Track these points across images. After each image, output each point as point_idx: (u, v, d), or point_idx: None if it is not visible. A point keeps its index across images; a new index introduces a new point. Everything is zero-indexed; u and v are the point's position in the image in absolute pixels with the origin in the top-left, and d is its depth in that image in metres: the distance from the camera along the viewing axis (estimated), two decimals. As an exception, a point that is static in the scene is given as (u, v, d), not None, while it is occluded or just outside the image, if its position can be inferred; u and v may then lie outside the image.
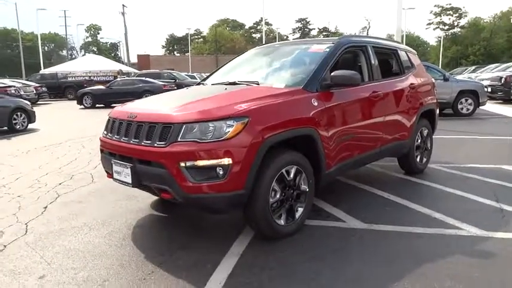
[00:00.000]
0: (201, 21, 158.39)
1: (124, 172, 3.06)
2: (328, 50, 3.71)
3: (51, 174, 5.48)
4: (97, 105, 17.80)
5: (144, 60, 50.90)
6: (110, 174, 3.38)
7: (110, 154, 3.30)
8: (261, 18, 72.90)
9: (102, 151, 3.49)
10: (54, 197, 4.43)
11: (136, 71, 32.56)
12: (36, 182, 5.12)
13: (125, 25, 43.70)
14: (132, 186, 3.04)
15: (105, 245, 3.13)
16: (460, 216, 3.48)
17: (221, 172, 2.72)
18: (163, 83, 18.45)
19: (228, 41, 70.41)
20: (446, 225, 3.32)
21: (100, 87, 18.87)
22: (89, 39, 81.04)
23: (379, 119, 4.04)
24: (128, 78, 21.76)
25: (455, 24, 60.90)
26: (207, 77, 4.48)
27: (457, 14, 60.62)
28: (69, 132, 9.68)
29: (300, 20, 76.58)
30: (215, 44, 65.20)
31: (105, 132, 3.44)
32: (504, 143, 7.30)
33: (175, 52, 79.84)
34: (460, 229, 3.24)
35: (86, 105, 17.75)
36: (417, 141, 4.87)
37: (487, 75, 16.54)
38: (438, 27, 62.86)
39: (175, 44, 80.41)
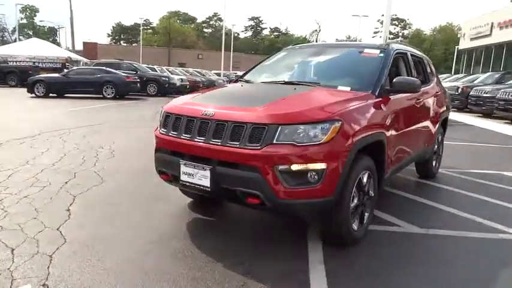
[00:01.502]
0: (151, 12, 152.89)
1: (199, 174, 2.82)
2: (382, 55, 3.73)
3: (48, 172, 4.94)
4: (50, 95, 16.45)
5: (91, 48, 48.05)
6: (168, 176, 3.11)
7: (174, 154, 3.03)
8: (214, 13, 72.17)
9: (158, 150, 3.19)
10: (70, 197, 3.99)
11: (86, 59, 30.63)
12: (36, 180, 4.58)
13: (70, 9, 40.74)
14: (210, 190, 2.82)
15: (170, 255, 2.86)
16: (502, 221, 3.67)
17: (315, 177, 2.61)
18: (126, 75, 17.51)
19: (180, 34, 68.71)
20: (496, 230, 3.48)
21: (55, 75, 17.43)
22: (24, 21, 74.59)
23: (419, 125, 4.15)
24: (86, 67, 20.40)
25: (400, 34, 65.04)
26: (244, 74, 4.29)
27: (401, 25, 64.84)
28: (36, 123, 8.81)
29: (252, 18, 76.85)
30: (167, 36, 63.25)
31: (165, 130, 3.15)
32: (479, 150, 7.91)
33: (121, 42, 76.30)
34: (511, 234, 3.42)
35: (37, 93, 16.29)
36: (435, 146, 5.07)
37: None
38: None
39: (123, 33, 76.86)
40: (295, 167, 2.58)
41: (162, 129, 3.18)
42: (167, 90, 20.04)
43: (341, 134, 2.68)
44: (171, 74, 22.76)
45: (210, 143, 2.77)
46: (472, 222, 3.66)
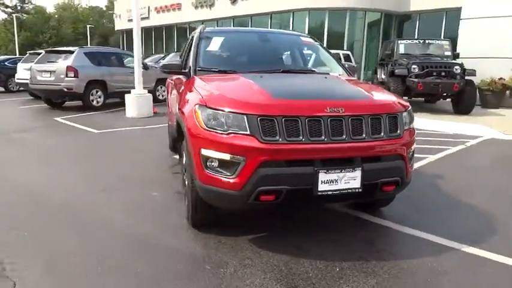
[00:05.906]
0: None
1: (345, 178, 2.61)
2: (318, 42, 4.20)
3: None
4: None
5: None
6: (279, 194, 2.53)
7: (299, 164, 2.54)
8: None
9: (265, 165, 2.47)
10: None
11: None
12: None
13: None
14: (361, 191, 2.66)
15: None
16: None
17: (411, 154, 3.07)
18: None
19: None
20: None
21: None
22: None
23: None
24: None
25: (19, 8, 57.08)
26: (195, 63, 3.53)
27: (19, -2, 56.84)
28: None
29: None
30: None
31: (271, 138, 2.48)
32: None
33: None
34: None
35: None
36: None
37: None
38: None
39: None
40: (412, 149, 2.99)
41: (265, 138, 2.48)
42: None
43: None
44: None
45: (353, 142, 2.61)
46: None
